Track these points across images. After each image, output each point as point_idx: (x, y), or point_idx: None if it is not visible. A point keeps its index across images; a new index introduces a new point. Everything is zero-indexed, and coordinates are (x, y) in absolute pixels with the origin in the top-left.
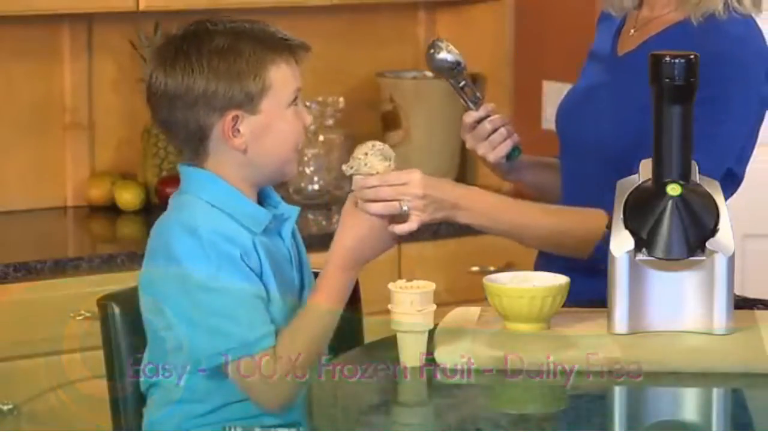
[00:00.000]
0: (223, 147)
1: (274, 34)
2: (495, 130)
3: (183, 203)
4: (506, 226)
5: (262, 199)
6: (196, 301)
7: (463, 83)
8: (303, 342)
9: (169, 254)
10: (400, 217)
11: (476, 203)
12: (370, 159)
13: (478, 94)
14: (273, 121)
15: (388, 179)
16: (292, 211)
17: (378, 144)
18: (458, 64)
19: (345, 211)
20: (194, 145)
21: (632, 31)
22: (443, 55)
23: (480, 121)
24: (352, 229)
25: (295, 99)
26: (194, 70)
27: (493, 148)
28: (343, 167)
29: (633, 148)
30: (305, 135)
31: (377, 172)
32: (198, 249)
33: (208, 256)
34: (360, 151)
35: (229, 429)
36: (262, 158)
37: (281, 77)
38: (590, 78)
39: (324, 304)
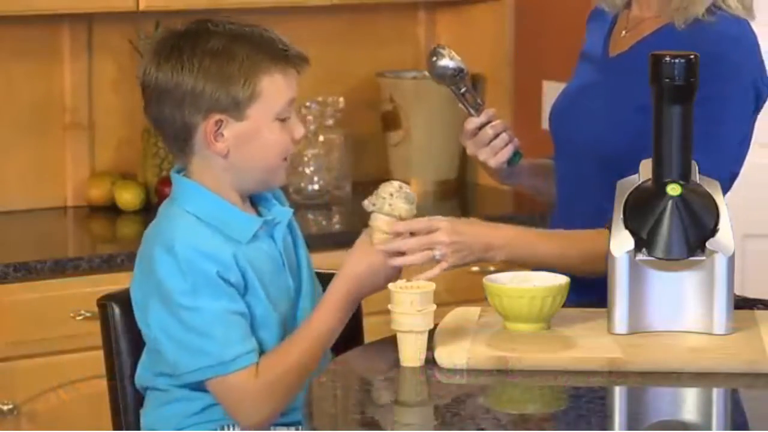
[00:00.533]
0: (207, 150)
1: (273, 42)
2: (496, 136)
3: (168, 215)
4: (544, 257)
5: (256, 202)
6: (175, 319)
7: (464, 89)
8: (292, 362)
9: (151, 270)
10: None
11: (508, 239)
12: (395, 201)
13: (479, 100)
14: (259, 130)
15: (418, 229)
16: (283, 215)
17: (405, 186)
18: (461, 70)
19: (359, 242)
20: (180, 143)
21: (624, 32)
22: (445, 62)
23: (481, 127)
24: (365, 258)
25: (288, 110)
26: (184, 68)
27: (495, 153)
28: (365, 203)
29: (627, 149)
30: (294, 147)
31: (399, 215)
32: (174, 267)
33: (184, 273)
34: (385, 191)
35: (227, 428)
36: (243, 165)
37: (273, 87)
38: (582, 79)
39: (319, 328)
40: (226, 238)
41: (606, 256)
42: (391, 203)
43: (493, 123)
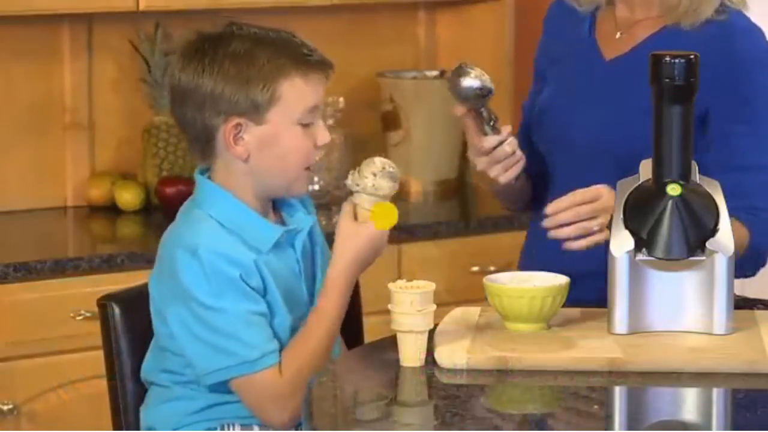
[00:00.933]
0: (227, 153)
1: (297, 47)
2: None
3: (191, 219)
4: None
5: (279, 207)
6: (199, 320)
7: (483, 109)
8: (306, 356)
9: (173, 272)
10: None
11: None
12: (379, 181)
13: (494, 116)
14: (279, 135)
15: (582, 198)
16: (305, 223)
17: (387, 164)
18: (489, 91)
19: (344, 225)
20: (202, 146)
21: (618, 34)
22: (470, 81)
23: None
24: (352, 243)
25: (310, 116)
26: (205, 71)
27: (506, 170)
28: (348, 182)
29: (642, 151)
30: (318, 154)
31: (383, 195)
32: (198, 270)
33: (208, 276)
34: (368, 170)
35: (227, 427)
36: (264, 170)
37: (293, 91)
38: (575, 84)
39: (325, 317)
40: (246, 244)
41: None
42: (374, 183)
43: (510, 140)
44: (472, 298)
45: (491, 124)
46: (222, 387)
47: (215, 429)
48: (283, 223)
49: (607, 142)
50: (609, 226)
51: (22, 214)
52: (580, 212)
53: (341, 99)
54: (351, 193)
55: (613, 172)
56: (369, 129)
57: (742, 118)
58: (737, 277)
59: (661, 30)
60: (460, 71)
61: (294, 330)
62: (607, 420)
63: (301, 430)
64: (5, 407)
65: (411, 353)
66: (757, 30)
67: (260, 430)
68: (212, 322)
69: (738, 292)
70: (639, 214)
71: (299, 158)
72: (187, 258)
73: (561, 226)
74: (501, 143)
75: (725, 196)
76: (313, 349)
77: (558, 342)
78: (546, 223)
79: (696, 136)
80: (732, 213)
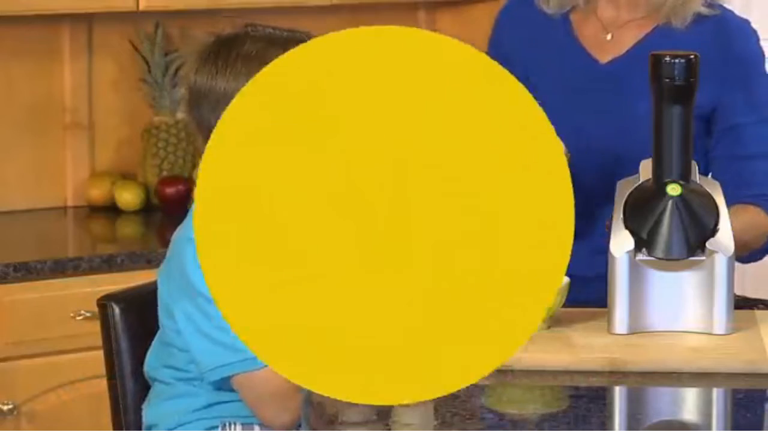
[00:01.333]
0: None
1: None
2: None
3: None
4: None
5: None
6: (204, 317)
7: None
8: None
9: (182, 268)
10: None
11: None
12: None
13: None
14: None
15: None
16: None
17: None
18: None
19: None
20: None
21: (609, 35)
22: None
23: None
24: None
25: None
26: (218, 72)
27: None
28: None
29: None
30: None
31: None
32: None
33: None
34: None
35: (228, 425)
36: None
37: None
38: (578, 92)
39: None
40: None
41: (761, 229)
42: None
43: None
44: None
45: None
46: (225, 385)
47: (216, 427)
48: None
49: (622, 143)
50: (609, 227)
51: (22, 214)
52: None
53: None
54: None
55: (626, 174)
56: None
57: (747, 111)
58: (751, 261)
59: (654, 29)
60: None
61: None
62: (607, 420)
63: (301, 430)
64: (5, 407)
65: None
66: (747, 22)
67: (261, 429)
68: (218, 318)
69: (738, 292)
70: (639, 214)
71: None
72: (196, 255)
73: None
74: None
75: (733, 186)
76: None
77: (558, 342)
78: None
79: (703, 135)
80: (743, 201)
